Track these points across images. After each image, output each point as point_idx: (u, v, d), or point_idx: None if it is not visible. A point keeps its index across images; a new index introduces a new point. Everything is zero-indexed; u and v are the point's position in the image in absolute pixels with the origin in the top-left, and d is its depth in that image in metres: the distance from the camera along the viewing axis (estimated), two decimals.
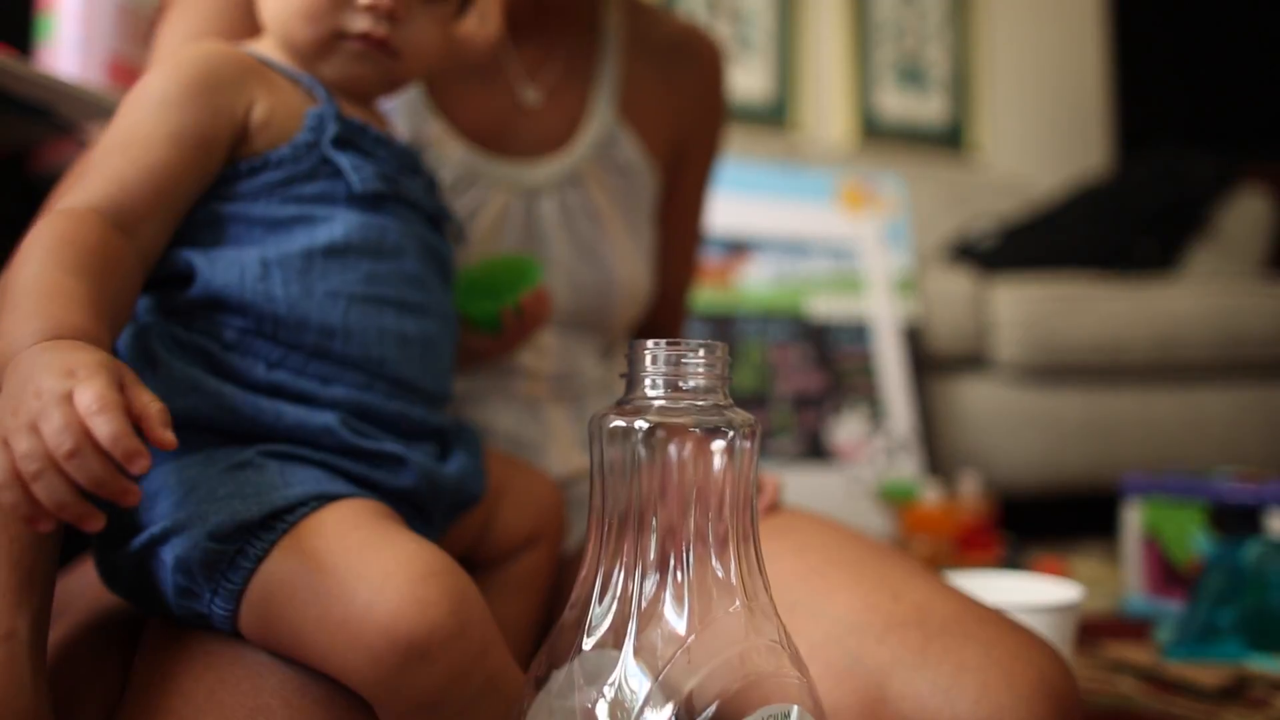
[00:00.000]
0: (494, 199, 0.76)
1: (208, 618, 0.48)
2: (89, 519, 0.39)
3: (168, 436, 0.40)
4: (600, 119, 0.80)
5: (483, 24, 0.74)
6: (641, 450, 0.42)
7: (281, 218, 0.54)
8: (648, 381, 0.44)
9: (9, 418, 0.39)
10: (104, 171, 0.51)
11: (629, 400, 0.44)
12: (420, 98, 0.74)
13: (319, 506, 0.48)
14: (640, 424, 0.42)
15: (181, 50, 0.57)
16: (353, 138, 0.57)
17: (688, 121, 0.87)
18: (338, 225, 0.55)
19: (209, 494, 0.48)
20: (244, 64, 0.56)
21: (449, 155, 0.74)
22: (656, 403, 0.44)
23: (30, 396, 0.39)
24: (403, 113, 0.74)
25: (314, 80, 0.58)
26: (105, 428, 0.38)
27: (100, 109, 0.92)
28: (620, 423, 0.43)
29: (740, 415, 0.44)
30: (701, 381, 0.44)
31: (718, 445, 0.43)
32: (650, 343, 0.44)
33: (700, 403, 0.44)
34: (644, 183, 0.83)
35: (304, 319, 0.53)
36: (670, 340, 0.44)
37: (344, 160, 0.56)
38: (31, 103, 0.89)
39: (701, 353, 0.44)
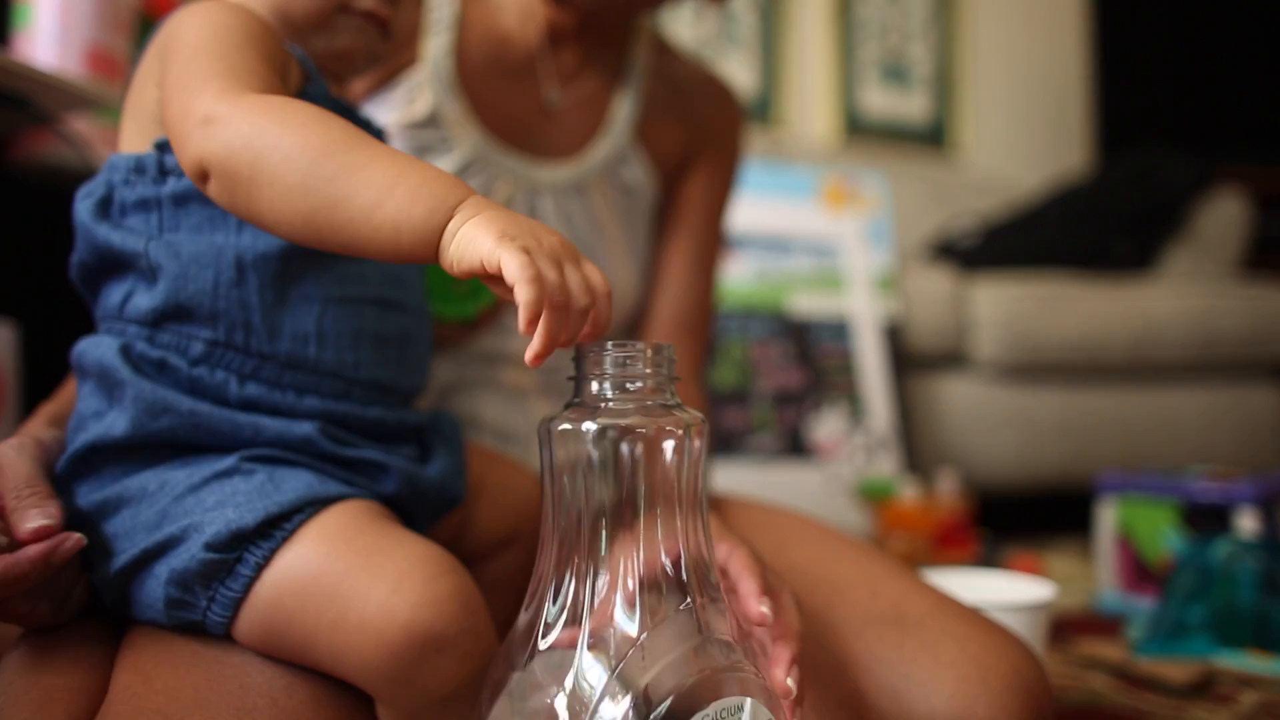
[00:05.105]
0: (499, 189, 0.76)
1: (201, 624, 0.47)
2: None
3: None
4: (616, 137, 0.82)
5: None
6: (591, 451, 0.42)
7: None
8: (595, 383, 0.44)
9: None
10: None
11: (578, 402, 0.44)
12: (451, 74, 0.75)
13: (316, 511, 0.48)
14: (589, 426, 0.42)
15: (216, 6, 0.53)
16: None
17: (698, 150, 0.88)
18: None
19: (197, 504, 0.47)
20: (275, 32, 0.54)
21: (464, 137, 0.75)
22: (605, 404, 0.43)
23: None
24: (430, 83, 0.74)
25: (305, 55, 0.56)
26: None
27: (78, 99, 0.91)
28: (568, 425, 0.43)
29: (689, 414, 0.44)
30: (649, 382, 0.44)
31: (667, 445, 0.43)
32: (597, 345, 0.44)
33: (648, 403, 0.44)
34: (646, 203, 0.85)
35: (278, 325, 0.51)
36: (617, 342, 0.44)
37: None
38: (9, 93, 0.88)
39: (649, 354, 0.44)
